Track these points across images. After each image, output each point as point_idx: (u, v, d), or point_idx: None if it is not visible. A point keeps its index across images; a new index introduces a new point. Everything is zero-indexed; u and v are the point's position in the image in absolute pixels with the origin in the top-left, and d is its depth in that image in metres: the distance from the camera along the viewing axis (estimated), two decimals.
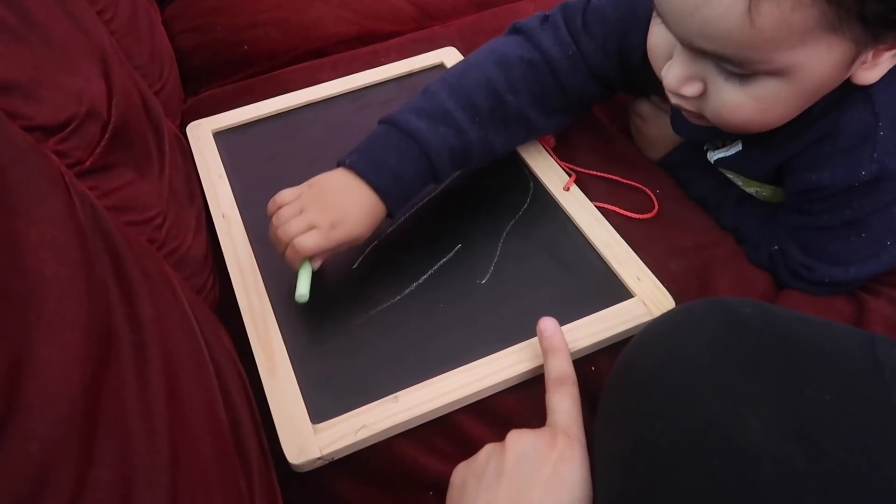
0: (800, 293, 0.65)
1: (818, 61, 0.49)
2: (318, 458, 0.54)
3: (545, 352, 0.57)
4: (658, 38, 0.56)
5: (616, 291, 0.63)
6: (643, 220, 0.70)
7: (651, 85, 0.71)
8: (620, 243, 0.66)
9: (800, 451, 0.37)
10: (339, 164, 0.64)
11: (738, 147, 0.65)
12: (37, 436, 0.32)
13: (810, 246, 0.63)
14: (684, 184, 0.74)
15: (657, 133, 0.76)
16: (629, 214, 0.70)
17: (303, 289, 0.60)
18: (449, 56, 0.89)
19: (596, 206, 0.70)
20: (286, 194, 0.62)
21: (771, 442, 0.38)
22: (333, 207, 0.60)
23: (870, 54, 0.50)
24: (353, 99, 0.85)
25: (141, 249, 0.54)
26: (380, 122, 0.65)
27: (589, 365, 0.60)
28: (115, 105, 0.60)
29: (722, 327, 0.44)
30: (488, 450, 0.51)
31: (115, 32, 0.77)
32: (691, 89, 0.55)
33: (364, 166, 0.62)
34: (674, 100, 0.57)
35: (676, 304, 0.61)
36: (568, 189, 0.71)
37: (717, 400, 0.40)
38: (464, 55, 0.89)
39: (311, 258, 0.61)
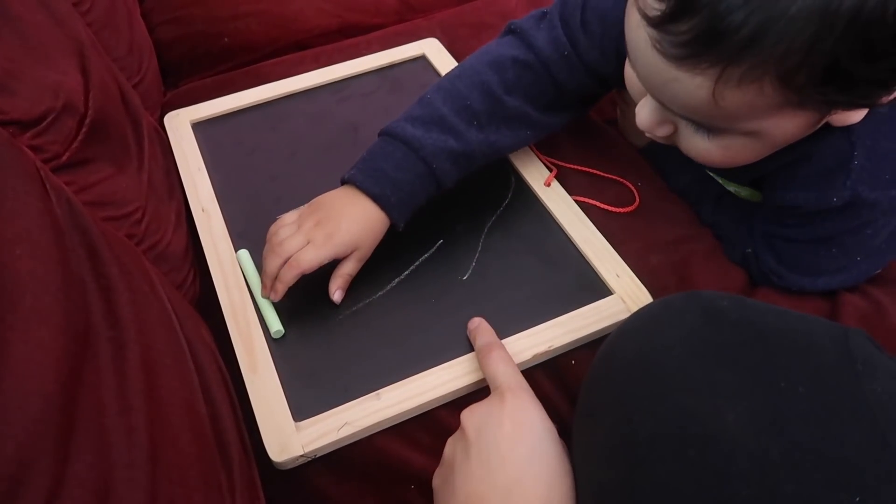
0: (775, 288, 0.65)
1: (784, 126, 0.50)
2: (301, 456, 0.54)
3: (472, 338, 0.60)
4: (632, 77, 0.56)
5: (595, 288, 0.63)
6: (624, 213, 0.70)
7: None
8: (600, 239, 0.66)
9: (774, 442, 0.38)
10: (341, 182, 0.64)
11: None
12: (12, 434, 0.31)
13: (782, 254, 0.63)
14: (666, 175, 0.75)
15: None
16: (609, 208, 0.70)
17: (276, 325, 0.61)
18: (430, 47, 0.89)
19: (576, 201, 0.70)
20: (287, 216, 0.64)
21: (746, 434, 0.38)
22: (329, 220, 0.61)
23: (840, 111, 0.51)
24: (333, 90, 0.85)
25: (119, 245, 0.53)
26: (378, 135, 0.66)
27: (568, 359, 0.60)
28: (92, 98, 0.60)
29: (699, 320, 0.44)
30: (451, 441, 0.52)
31: (92, 24, 0.76)
32: (662, 131, 0.57)
33: (361, 177, 0.62)
34: (647, 134, 0.59)
35: (655, 299, 0.62)
36: (549, 184, 0.71)
37: (693, 392, 0.41)
38: (446, 47, 0.89)
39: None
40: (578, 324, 0.61)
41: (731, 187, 0.69)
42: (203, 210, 0.71)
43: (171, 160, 0.77)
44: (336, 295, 0.63)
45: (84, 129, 0.57)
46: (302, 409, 0.57)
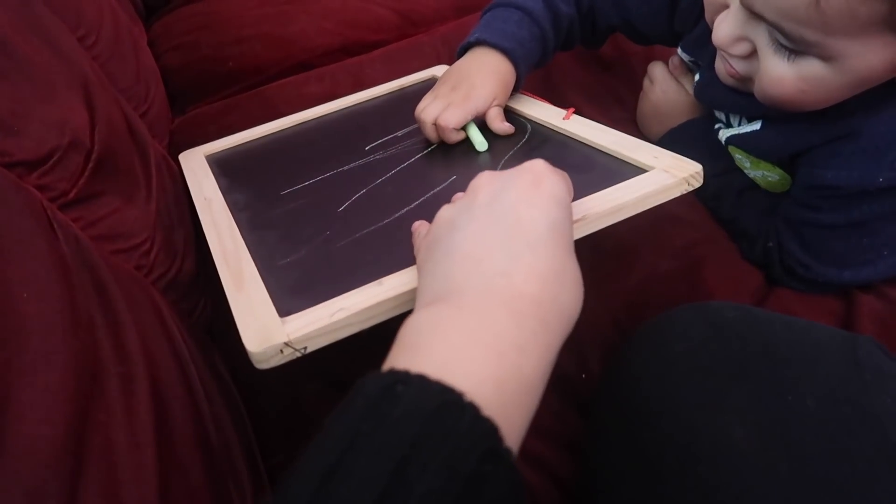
0: (790, 290, 0.64)
1: (870, 55, 0.49)
2: (286, 345, 0.45)
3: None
4: None
5: (635, 172, 0.56)
6: (633, 217, 0.69)
7: (680, 37, 0.73)
8: (630, 138, 0.60)
9: (783, 457, 0.37)
10: (459, 53, 0.71)
11: (756, 125, 0.65)
12: (20, 482, 0.32)
13: (810, 243, 0.62)
14: None
15: (661, 98, 0.77)
16: None
17: (480, 142, 0.65)
18: (441, 73, 0.88)
19: None
20: (426, 96, 0.69)
21: (754, 449, 0.38)
22: (463, 82, 0.67)
23: None
24: (345, 116, 0.84)
25: (128, 278, 0.54)
26: (484, 13, 0.74)
27: (580, 372, 0.60)
28: (98, 133, 0.60)
29: (705, 334, 0.44)
30: (448, 207, 0.44)
31: (98, 57, 0.77)
32: (740, 48, 0.56)
33: (487, 34, 0.69)
34: (721, 55, 0.58)
35: (665, 310, 0.59)
36: (568, 118, 0.67)
37: (700, 408, 0.41)
38: (448, 63, 0.89)
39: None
40: (618, 194, 0.53)
41: (761, 170, 0.67)
42: (205, 198, 0.67)
43: (180, 188, 0.77)
44: (505, 125, 0.66)
45: (91, 165, 0.58)
46: (291, 311, 0.48)
